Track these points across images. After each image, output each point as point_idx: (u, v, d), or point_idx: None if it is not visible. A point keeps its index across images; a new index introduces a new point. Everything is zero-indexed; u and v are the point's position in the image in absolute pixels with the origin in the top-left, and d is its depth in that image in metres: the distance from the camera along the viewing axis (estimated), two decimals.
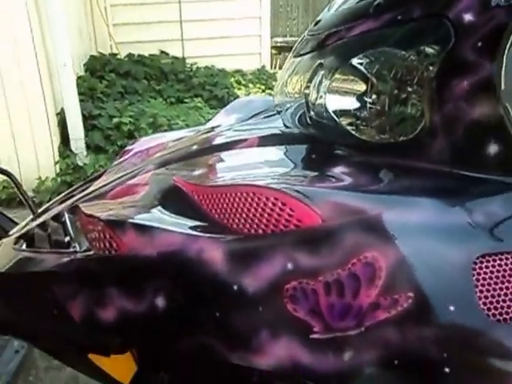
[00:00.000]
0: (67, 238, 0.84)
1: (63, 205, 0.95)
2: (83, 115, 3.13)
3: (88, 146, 3.09)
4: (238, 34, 4.67)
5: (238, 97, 3.84)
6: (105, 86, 3.59)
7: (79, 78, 3.50)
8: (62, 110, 3.03)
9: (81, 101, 3.20)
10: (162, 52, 4.45)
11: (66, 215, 0.87)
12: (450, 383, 0.53)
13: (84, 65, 3.84)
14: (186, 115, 3.60)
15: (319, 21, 0.87)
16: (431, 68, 0.62)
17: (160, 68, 4.22)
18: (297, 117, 0.85)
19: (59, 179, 2.85)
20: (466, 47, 0.59)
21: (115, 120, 3.21)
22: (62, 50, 2.87)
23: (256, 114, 1.08)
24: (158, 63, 4.25)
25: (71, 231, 0.83)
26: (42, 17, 2.77)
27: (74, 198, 0.95)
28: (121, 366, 0.73)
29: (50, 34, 2.82)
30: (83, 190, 0.99)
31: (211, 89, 4.12)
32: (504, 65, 0.58)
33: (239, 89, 4.46)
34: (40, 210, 1.06)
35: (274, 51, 5.85)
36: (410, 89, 0.65)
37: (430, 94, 0.62)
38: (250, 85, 4.56)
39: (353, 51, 0.72)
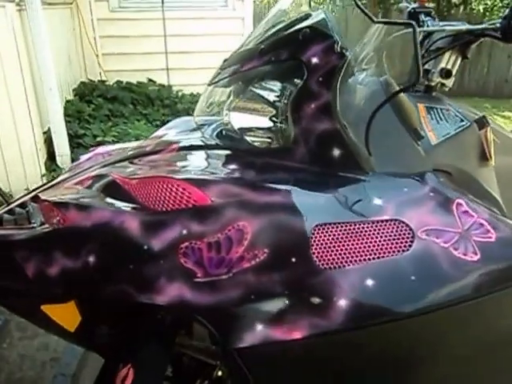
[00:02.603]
0: (29, 220, 1.00)
1: (27, 196, 1.12)
2: (69, 134, 3.36)
3: (73, 161, 3.29)
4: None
5: None
6: (92, 109, 3.83)
7: (68, 101, 3.76)
8: (49, 129, 3.26)
9: (68, 122, 3.43)
10: (150, 80, 4.70)
11: (29, 202, 1.06)
12: (289, 311, 0.73)
13: (73, 90, 4.09)
14: None
15: (227, 59, 1.11)
16: (292, 95, 0.87)
17: (147, 94, 4.45)
18: (215, 132, 1.08)
19: None
20: (313, 81, 0.84)
21: (99, 139, 3.43)
22: (48, 75, 3.13)
23: (187, 130, 1.31)
24: (145, 90, 4.48)
25: (32, 213, 1.02)
26: (30, 47, 3.04)
27: (37, 191, 1.13)
28: (67, 315, 0.91)
29: (37, 61, 3.08)
30: (44, 186, 1.18)
31: None
32: (337, 93, 0.84)
33: None
34: (10, 202, 1.19)
35: None
36: (283, 110, 0.90)
37: (292, 114, 0.87)
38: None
39: (248, 81, 0.96)
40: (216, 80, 1.09)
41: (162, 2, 4.43)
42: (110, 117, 3.94)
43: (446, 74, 1.19)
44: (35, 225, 0.95)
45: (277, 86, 0.94)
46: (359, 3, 0.85)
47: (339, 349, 0.76)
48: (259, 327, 0.73)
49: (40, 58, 3.07)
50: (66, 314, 0.91)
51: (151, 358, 0.93)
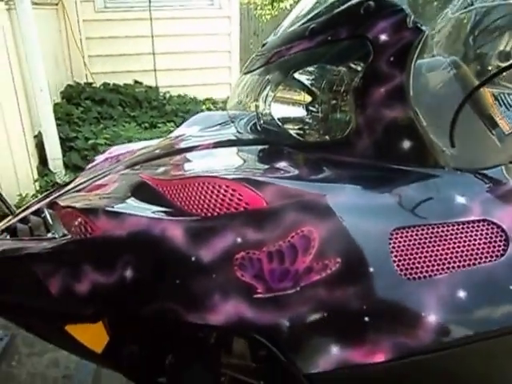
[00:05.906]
0: (47, 230, 0.91)
1: (42, 202, 1.03)
2: (60, 138, 3.29)
3: (66, 165, 3.23)
4: (210, 66, 4.89)
5: None
6: (81, 112, 3.77)
7: (56, 104, 3.68)
8: (40, 132, 3.18)
9: (58, 125, 3.36)
10: (136, 82, 4.64)
11: (46, 210, 0.96)
12: (369, 330, 0.63)
13: (61, 93, 4.01)
14: (159, 138, 3.75)
15: (265, 43, 1.00)
16: (356, 79, 0.75)
17: (134, 96, 4.40)
18: (249, 125, 0.97)
19: (39, 195, 2.95)
20: (382, 61, 0.73)
21: (91, 142, 3.37)
22: (38, 76, 3.03)
23: (214, 126, 1.20)
24: (132, 91, 4.43)
25: (50, 222, 0.92)
26: (19, 47, 2.95)
27: (52, 196, 1.03)
28: (94, 336, 0.82)
29: (28, 62, 2.99)
30: (59, 191, 1.08)
31: (183, 115, 4.29)
32: (411, 75, 0.72)
33: None
34: (20, 210, 1.14)
35: None
36: (340, 97, 0.79)
37: (355, 101, 0.75)
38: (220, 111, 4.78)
39: (292, 67, 0.85)
40: (253, 68, 0.97)
41: (149, 2, 4.36)
42: (99, 119, 3.88)
43: (506, 56, 1.04)
44: (56, 235, 0.86)
45: (327, 70, 0.82)
46: None
47: (428, 372, 0.66)
48: (334, 350, 0.63)
49: (30, 58, 2.99)
50: (93, 335, 0.82)
51: (196, 381, 0.85)
